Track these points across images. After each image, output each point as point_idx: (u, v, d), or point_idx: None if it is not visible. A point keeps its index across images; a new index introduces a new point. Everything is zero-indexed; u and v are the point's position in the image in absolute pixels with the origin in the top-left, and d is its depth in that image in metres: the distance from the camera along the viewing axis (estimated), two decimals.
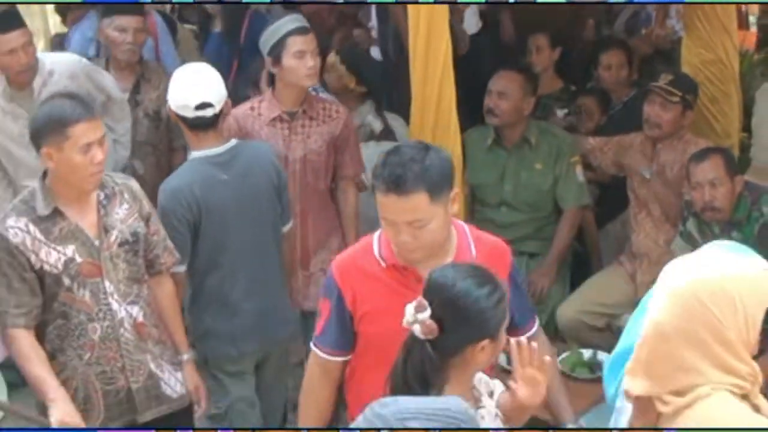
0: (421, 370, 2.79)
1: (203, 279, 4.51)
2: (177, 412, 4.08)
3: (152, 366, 3.98)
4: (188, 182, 4.41)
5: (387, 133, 6.06)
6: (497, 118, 5.43)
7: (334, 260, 3.48)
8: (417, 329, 2.77)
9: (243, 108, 4.99)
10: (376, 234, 3.39)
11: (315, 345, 3.47)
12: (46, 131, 3.72)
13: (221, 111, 4.49)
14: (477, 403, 2.91)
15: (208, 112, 4.41)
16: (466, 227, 3.47)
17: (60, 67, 5.15)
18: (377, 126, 5.93)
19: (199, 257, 4.47)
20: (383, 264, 3.31)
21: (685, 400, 2.45)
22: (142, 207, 4.01)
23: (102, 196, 3.88)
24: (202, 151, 4.49)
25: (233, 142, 4.57)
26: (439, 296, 2.81)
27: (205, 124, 4.45)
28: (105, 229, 3.86)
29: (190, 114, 4.41)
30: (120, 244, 3.89)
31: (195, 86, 4.43)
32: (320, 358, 3.47)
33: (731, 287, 2.43)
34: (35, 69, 5.10)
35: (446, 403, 2.41)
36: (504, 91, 5.40)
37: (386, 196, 3.14)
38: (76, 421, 3.71)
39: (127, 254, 3.92)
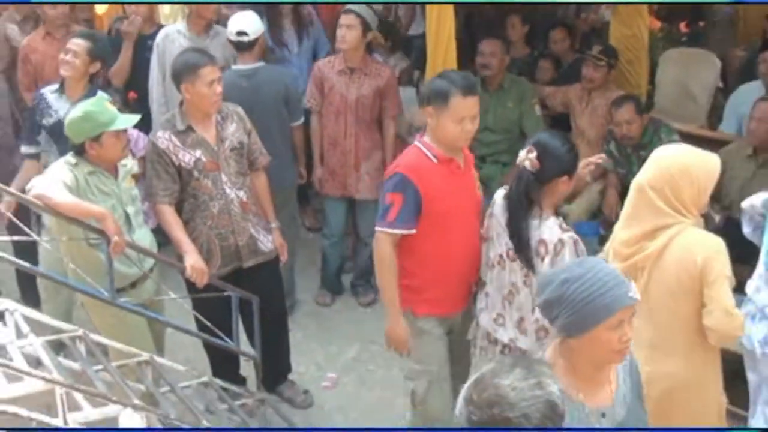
0: (526, 191, 3.05)
1: None
2: (268, 261, 4.18)
3: (252, 230, 4.06)
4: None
5: (409, 72, 6.17)
6: (489, 70, 5.34)
7: (398, 167, 3.31)
8: (527, 164, 3.02)
9: (324, 60, 5.13)
10: (419, 144, 3.33)
11: (391, 227, 3.27)
12: (184, 73, 3.78)
13: (256, 40, 4.64)
14: (562, 227, 3.08)
15: (244, 38, 4.61)
16: None
17: (221, 31, 5.19)
18: (402, 65, 6.06)
19: None
20: (435, 161, 3.28)
21: (667, 235, 2.73)
22: (246, 125, 4.06)
23: (219, 117, 3.94)
24: (237, 66, 4.70)
25: (260, 63, 4.74)
26: (542, 146, 3.04)
27: (242, 47, 4.66)
28: (221, 139, 3.92)
29: (233, 38, 4.64)
30: (231, 149, 3.95)
31: (238, 20, 4.65)
32: (394, 235, 3.28)
33: (691, 167, 2.73)
34: (213, 23, 5.25)
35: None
36: (490, 51, 5.35)
37: (466, 98, 3.19)
38: (202, 265, 3.78)
39: (236, 156, 3.98)
